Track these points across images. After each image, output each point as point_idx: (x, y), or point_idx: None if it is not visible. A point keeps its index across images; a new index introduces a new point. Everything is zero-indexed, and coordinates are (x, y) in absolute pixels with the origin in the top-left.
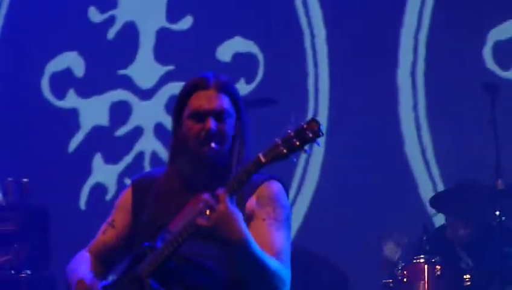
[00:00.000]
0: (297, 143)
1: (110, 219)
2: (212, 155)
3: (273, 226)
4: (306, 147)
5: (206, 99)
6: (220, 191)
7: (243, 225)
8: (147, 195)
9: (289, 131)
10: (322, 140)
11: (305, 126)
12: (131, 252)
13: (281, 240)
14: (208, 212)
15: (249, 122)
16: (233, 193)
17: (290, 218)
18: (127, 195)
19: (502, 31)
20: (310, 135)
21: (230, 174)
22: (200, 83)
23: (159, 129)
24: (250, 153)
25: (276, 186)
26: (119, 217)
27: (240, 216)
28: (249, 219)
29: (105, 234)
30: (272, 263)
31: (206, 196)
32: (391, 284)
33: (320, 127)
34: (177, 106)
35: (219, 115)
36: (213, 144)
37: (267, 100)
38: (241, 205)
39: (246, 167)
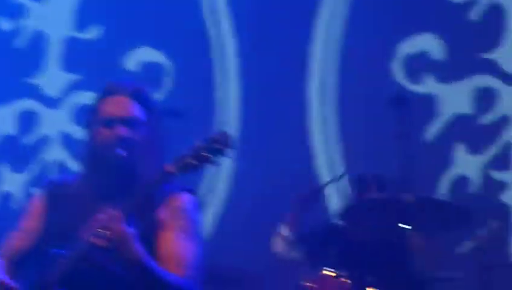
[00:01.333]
0: (207, 155)
1: (20, 225)
2: (120, 161)
3: (182, 238)
4: (215, 159)
5: (116, 106)
6: (116, 212)
7: (137, 245)
8: (58, 201)
9: (198, 142)
10: (231, 152)
11: (214, 137)
12: (41, 258)
13: (189, 252)
14: (102, 231)
15: (163, 131)
16: (133, 209)
17: (200, 231)
18: (38, 200)
19: (411, 45)
20: (220, 147)
21: (140, 183)
22: (110, 89)
23: (65, 138)
24: (165, 162)
25: (187, 198)
26: (30, 222)
27: (134, 236)
28: (158, 228)
29: (16, 240)
30: (173, 279)
31: (101, 216)
32: None
33: (230, 139)
34: (89, 113)
35: (129, 122)
36: (120, 150)
37: (174, 111)
38: (151, 216)
39: (154, 178)
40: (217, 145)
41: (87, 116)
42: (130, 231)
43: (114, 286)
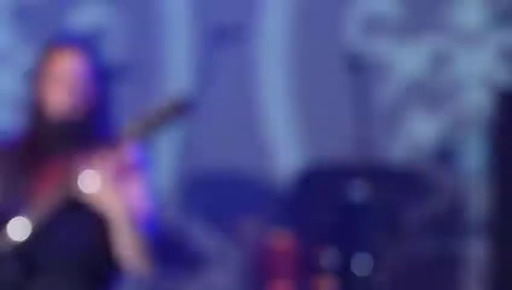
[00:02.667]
0: (162, 119)
1: None
2: (69, 116)
3: (137, 189)
4: (169, 124)
5: (62, 61)
6: (97, 157)
7: (122, 193)
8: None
9: (152, 106)
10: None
11: (168, 103)
12: None
13: (149, 203)
14: (84, 180)
15: (109, 86)
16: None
17: (154, 180)
18: None
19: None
20: (175, 111)
21: (90, 136)
22: (56, 46)
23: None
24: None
25: (138, 150)
26: None
27: (111, 184)
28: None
29: None
30: (140, 228)
31: (81, 163)
32: None
33: (185, 103)
34: (33, 71)
35: (77, 80)
36: (69, 106)
37: (119, 70)
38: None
39: (110, 139)
40: (170, 110)
41: (31, 74)
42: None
43: (72, 255)
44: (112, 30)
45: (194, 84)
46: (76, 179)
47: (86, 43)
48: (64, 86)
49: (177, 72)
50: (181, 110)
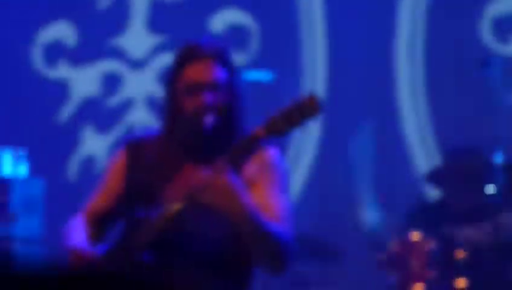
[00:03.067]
0: (297, 119)
1: (103, 183)
2: (209, 129)
3: (273, 191)
4: (305, 122)
5: (200, 71)
6: (220, 163)
7: (245, 195)
8: (141, 158)
9: (288, 106)
10: (320, 115)
11: (304, 101)
12: (126, 220)
13: (282, 204)
14: (207, 187)
15: (243, 90)
16: (231, 164)
17: (288, 183)
18: (120, 158)
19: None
20: (310, 111)
21: (227, 143)
22: (194, 53)
23: (150, 100)
24: (247, 124)
25: (274, 151)
26: (112, 181)
27: (241, 186)
28: (248, 184)
29: (99, 198)
30: (276, 229)
31: (206, 171)
32: (385, 260)
33: (320, 103)
34: (170, 76)
35: (215, 87)
36: (209, 119)
37: (260, 73)
38: (239, 172)
39: (243, 141)
40: (307, 109)
41: (169, 78)
42: (237, 181)
43: (205, 251)
44: (249, 33)
45: (326, 83)
46: (207, 182)
47: (221, 51)
48: (198, 94)
49: (311, 73)
50: (315, 109)
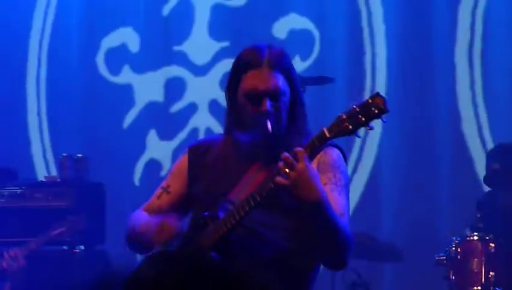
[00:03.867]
0: (363, 119)
1: (165, 184)
2: (269, 135)
3: (335, 190)
4: (371, 123)
5: (259, 80)
6: (299, 150)
7: (320, 184)
8: (204, 162)
9: (354, 106)
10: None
11: (370, 101)
12: (191, 220)
13: (343, 203)
14: (287, 170)
15: (302, 94)
16: (310, 153)
17: (349, 183)
18: (183, 161)
19: None
20: (376, 111)
21: (290, 145)
22: (252, 60)
23: (213, 105)
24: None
25: (335, 152)
26: (175, 182)
27: (316, 175)
28: None
29: (160, 199)
30: (342, 224)
31: (286, 154)
32: (444, 261)
33: (386, 102)
34: (230, 82)
35: (274, 94)
36: (269, 125)
37: (323, 78)
38: None
39: (311, 141)
40: (373, 109)
41: (229, 85)
42: (313, 169)
43: (270, 252)
44: (312, 39)
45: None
46: (274, 178)
47: (279, 57)
48: (259, 102)
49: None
50: (380, 109)
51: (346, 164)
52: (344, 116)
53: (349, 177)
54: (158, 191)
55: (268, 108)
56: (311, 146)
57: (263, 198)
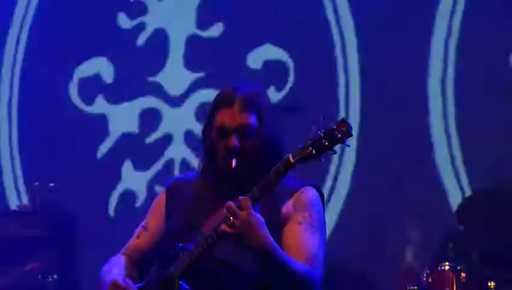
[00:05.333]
0: (327, 144)
1: (144, 223)
2: (235, 172)
3: (308, 230)
4: (334, 148)
5: (229, 117)
6: (242, 198)
7: (265, 231)
8: (180, 199)
9: (319, 132)
10: (352, 147)
11: (334, 127)
12: (165, 254)
13: (315, 244)
14: (231, 219)
15: (278, 132)
16: (257, 199)
17: (324, 224)
18: (161, 199)
19: None
20: (339, 136)
21: (255, 182)
22: (224, 99)
23: (189, 136)
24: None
25: (313, 192)
26: (153, 220)
27: (262, 222)
28: (284, 222)
29: (140, 238)
30: (299, 267)
31: (229, 203)
32: None
33: (350, 127)
34: (206, 119)
35: (242, 131)
36: (234, 162)
37: (297, 108)
38: (275, 208)
39: (276, 168)
40: (336, 133)
41: (204, 122)
42: (258, 216)
43: (238, 281)
44: (289, 69)
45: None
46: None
47: (252, 96)
48: (227, 138)
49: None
50: (344, 133)
51: (323, 205)
52: (309, 142)
53: (324, 218)
54: (138, 229)
55: (236, 144)
56: (277, 173)
57: (217, 238)
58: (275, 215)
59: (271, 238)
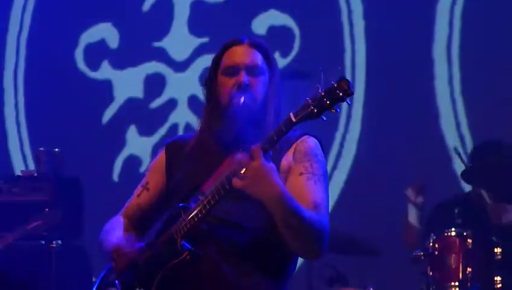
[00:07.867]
0: (328, 102)
1: (144, 182)
2: (243, 108)
3: (311, 179)
4: (336, 106)
5: (239, 54)
6: (254, 147)
7: (278, 179)
8: (180, 157)
9: (319, 90)
10: (358, 113)
11: (335, 85)
12: (165, 213)
13: (319, 192)
14: (242, 171)
15: (281, 83)
16: (266, 151)
17: (326, 172)
18: (160, 158)
19: None
20: (340, 94)
21: (264, 132)
22: (233, 40)
23: (193, 101)
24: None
25: (312, 141)
26: (153, 179)
27: (274, 171)
28: (285, 174)
29: (140, 197)
30: (309, 215)
31: (239, 156)
32: (422, 257)
33: (350, 85)
34: (211, 67)
35: (252, 69)
36: (243, 98)
37: (302, 73)
38: (276, 161)
39: (278, 126)
40: (337, 92)
41: (210, 70)
42: (270, 165)
43: (241, 240)
44: (294, 35)
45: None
46: (241, 167)
47: (261, 43)
48: (236, 75)
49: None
50: (345, 92)
51: (325, 154)
52: (310, 101)
53: (326, 166)
54: (138, 189)
55: (245, 80)
56: (278, 132)
57: (228, 190)
58: (276, 169)
59: (284, 187)
